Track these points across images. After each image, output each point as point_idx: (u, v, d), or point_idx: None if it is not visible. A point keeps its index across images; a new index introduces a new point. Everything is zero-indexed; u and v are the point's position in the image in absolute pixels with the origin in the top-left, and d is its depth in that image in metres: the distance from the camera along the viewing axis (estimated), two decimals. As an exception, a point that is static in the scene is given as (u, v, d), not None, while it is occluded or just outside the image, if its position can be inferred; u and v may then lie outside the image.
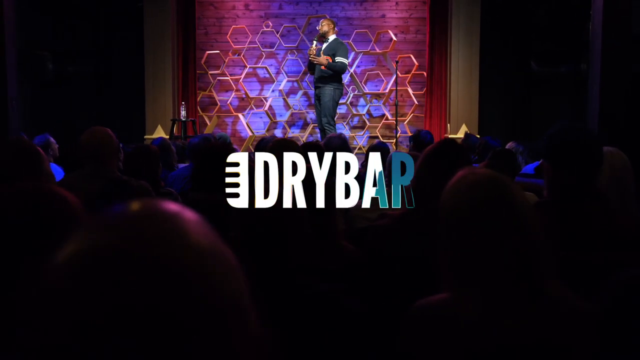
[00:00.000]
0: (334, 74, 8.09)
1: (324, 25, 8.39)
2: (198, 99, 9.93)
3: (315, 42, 8.31)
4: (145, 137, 8.67)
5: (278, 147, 3.33)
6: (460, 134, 8.62)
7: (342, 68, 8.20)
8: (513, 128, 8.78)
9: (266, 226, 1.64)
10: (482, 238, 1.48)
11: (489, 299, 1.46)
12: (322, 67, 8.02)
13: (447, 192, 1.59)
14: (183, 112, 8.25)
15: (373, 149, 5.33)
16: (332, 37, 8.33)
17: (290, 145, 3.35)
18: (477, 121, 8.81)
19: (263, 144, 4.78)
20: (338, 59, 8.08)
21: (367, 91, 10.20)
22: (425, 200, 2.35)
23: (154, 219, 0.63)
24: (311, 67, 8.43)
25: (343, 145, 4.90)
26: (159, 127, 8.79)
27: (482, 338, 1.45)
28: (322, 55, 8.11)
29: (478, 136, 7.80)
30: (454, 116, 8.93)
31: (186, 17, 9.50)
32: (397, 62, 8.77)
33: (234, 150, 3.34)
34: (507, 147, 5.93)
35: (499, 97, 9.19)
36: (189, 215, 0.66)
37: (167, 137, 7.93)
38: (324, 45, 8.28)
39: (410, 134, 9.86)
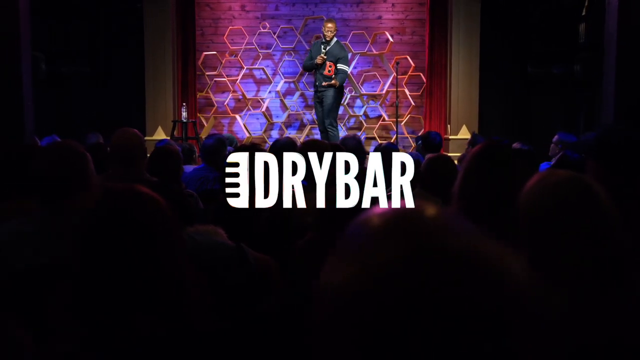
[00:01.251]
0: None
1: (332, 30, 8.43)
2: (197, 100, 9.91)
3: (324, 49, 8.33)
4: (146, 138, 8.60)
5: (310, 147, 3.35)
6: (461, 135, 8.68)
7: (345, 78, 8.48)
8: (512, 129, 8.85)
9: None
10: (569, 237, 1.51)
11: (577, 297, 1.49)
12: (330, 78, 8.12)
13: (529, 193, 1.61)
14: (184, 114, 8.23)
15: (384, 149, 5.37)
16: (334, 40, 8.43)
17: (322, 145, 3.37)
18: (478, 122, 8.87)
19: (279, 146, 4.77)
20: (341, 66, 8.24)
21: (364, 92, 10.23)
22: (472, 202, 2.37)
23: (432, 217, 0.65)
24: (310, 67, 8.51)
25: (358, 145, 4.93)
26: (160, 128, 8.75)
27: (571, 336, 1.47)
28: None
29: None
30: (454, 117, 8.98)
31: (185, 17, 9.47)
32: (397, 63, 8.82)
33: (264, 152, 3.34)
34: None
35: (498, 97, 9.26)
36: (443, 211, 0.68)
37: (168, 138, 7.92)
38: (327, 48, 8.34)
39: (407, 135, 9.93)
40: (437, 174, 3.33)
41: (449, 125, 9.06)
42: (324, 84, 8.16)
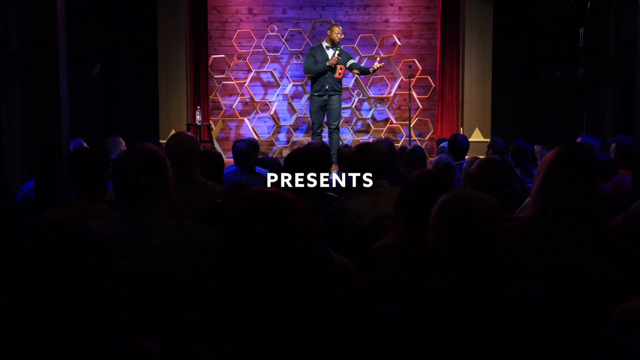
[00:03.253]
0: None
1: (341, 33, 8.37)
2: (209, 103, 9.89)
3: (336, 52, 8.27)
4: (160, 142, 8.58)
5: (363, 152, 3.38)
6: (474, 138, 8.72)
7: None
8: (523, 132, 8.92)
9: (474, 222, 1.66)
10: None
11: None
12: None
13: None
14: (198, 117, 8.20)
15: (411, 153, 5.39)
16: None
17: (377, 151, 3.39)
18: (490, 125, 8.93)
19: (313, 149, 4.77)
20: (352, 62, 8.30)
21: (372, 95, 10.26)
22: (553, 204, 2.38)
23: None
24: (320, 70, 8.34)
25: (391, 148, 4.96)
26: (173, 131, 8.72)
27: None
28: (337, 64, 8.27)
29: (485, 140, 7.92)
30: (467, 120, 9.03)
31: (197, 20, 9.40)
32: (410, 66, 8.87)
33: (321, 155, 3.36)
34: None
35: (508, 99, 9.32)
36: None
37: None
38: (336, 52, 8.31)
39: (415, 138, 9.97)
40: (489, 176, 3.36)
41: (461, 128, 9.11)
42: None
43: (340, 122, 8.64)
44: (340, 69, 8.20)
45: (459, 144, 5.52)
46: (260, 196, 1.45)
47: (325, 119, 8.50)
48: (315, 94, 8.38)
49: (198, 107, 8.44)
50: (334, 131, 8.37)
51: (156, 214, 2.42)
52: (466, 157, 5.14)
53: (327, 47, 8.29)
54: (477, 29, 8.95)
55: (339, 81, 8.27)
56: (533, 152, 5.68)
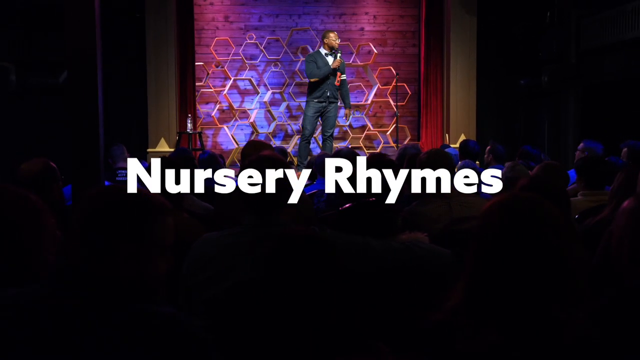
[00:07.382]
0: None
1: (337, 38, 8.40)
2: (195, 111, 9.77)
3: (338, 55, 8.25)
4: (149, 150, 8.44)
5: (433, 156, 3.46)
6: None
7: None
8: (505, 137, 9.18)
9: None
10: None
11: None
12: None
13: None
14: (189, 125, 8.10)
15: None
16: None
17: (447, 155, 3.47)
18: (475, 131, 9.16)
19: (343, 155, 4.82)
20: (344, 77, 8.44)
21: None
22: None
23: None
24: (324, 74, 8.19)
25: (418, 154, 5.06)
26: (162, 140, 8.59)
27: None
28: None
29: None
30: (453, 126, 9.24)
31: (184, 28, 9.24)
32: (397, 74, 9.03)
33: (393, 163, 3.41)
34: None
35: (489, 106, 9.58)
36: None
37: (172, 150, 7.80)
38: (338, 55, 8.27)
39: (393, 144, 10.12)
40: (557, 178, 3.49)
41: (447, 134, 9.32)
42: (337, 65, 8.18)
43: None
44: (340, 76, 8.24)
45: (472, 149, 5.68)
46: (519, 200, 1.51)
47: (320, 127, 8.57)
48: (315, 100, 8.29)
49: (189, 115, 8.34)
50: (328, 138, 8.42)
51: (284, 221, 2.44)
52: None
53: (327, 54, 8.29)
54: (461, 38, 9.19)
55: (337, 89, 8.33)
56: (540, 157, 5.88)
